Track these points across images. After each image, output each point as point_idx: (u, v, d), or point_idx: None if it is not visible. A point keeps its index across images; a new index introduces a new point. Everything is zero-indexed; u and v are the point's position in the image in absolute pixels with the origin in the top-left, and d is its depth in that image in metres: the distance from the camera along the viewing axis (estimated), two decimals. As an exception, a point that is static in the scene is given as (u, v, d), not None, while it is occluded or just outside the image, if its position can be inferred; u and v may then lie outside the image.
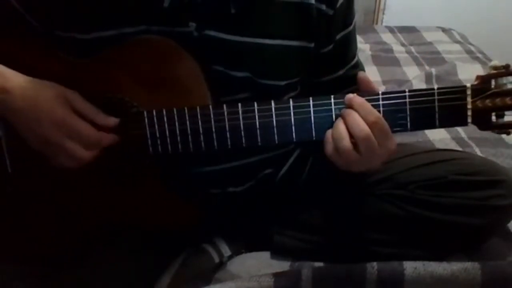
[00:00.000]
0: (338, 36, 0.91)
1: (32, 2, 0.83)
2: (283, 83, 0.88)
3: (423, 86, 1.75)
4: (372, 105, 0.76)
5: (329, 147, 0.77)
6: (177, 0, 0.80)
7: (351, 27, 0.93)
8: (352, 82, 0.93)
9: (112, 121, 0.81)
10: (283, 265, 0.97)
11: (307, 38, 0.87)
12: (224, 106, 0.79)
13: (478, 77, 0.76)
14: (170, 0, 0.79)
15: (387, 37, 2.33)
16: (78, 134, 0.78)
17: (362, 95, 0.77)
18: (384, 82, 1.82)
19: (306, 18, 0.86)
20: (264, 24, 0.84)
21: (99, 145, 0.80)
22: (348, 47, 0.95)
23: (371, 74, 1.84)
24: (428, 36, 2.32)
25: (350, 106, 0.76)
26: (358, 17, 0.94)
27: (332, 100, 0.77)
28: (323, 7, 0.86)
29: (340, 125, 0.76)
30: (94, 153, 0.80)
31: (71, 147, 0.78)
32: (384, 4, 2.81)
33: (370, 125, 0.74)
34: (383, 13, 2.83)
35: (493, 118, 0.77)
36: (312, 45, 0.88)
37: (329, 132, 0.77)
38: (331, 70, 0.94)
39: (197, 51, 0.80)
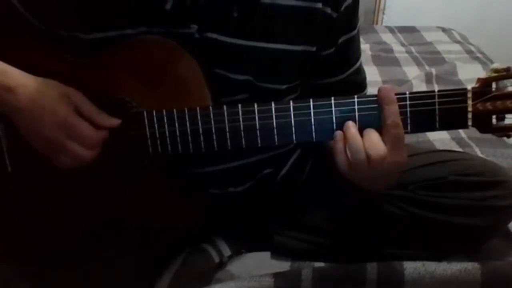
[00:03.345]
0: (340, 40, 0.90)
1: (33, 2, 0.83)
2: (283, 86, 0.88)
3: (423, 86, 1.76)
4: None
5: (342, 160, 0.76)
6: (179, 2, 0.79)
7: (355, 31, 0.92)
8: (354, 88, 0.93)
9: (115, 122, 0.81)
10: (283, 265, 0.97)
11: (309, 43, 0.87)
12: (224, 107, 0.78)
13: (479, 80, 0.75)
14: (172, 3, 0.79)
15: (387, 37, 2.33)
16: (80, 134, 0.78)
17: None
18: (384, 82, 1.82)
19: (311, 23, 0.85)
20: (266, 28, 0.83)
21: (100, 145, 0.80)
22: (350, 52, 0.94)
23: (371, 74, 1.84)
24: (428, 36, 2.32)
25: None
26: (359, 17, 0.94)
27: (333, 102, 0.77)
28: (328, 10, 0.85)
29: (357, 139, 0.75)
30: (95, 153, 0.80)
31: (72, 147, 0.78)
32: (384, 4, 2.81)
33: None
34: (383, 13, 2.83)
35: (494, 121, 0.76)
36: (314, 49, 0.88)
37: (340, 148, 0.76)
38: (331, 73, 0.93)
39: (198, 53, 0.79)
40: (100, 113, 0.80)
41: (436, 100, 0.75)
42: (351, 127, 0.76)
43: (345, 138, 0.76)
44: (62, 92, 0.79)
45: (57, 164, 0.80)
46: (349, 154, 0.75)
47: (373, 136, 0.75)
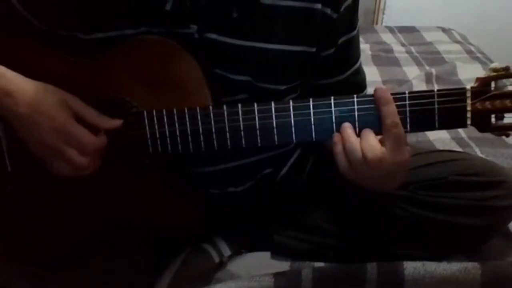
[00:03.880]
0: (340, 40, 0.90)
1: (33, 2, 0.83)
2: (283, 87, 0.88)
3: (423, 86, 1.76)
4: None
5: (342, 162, 0.76)
6: (179, 3, 0.79)
7: (355, 32, 0.92)
8: (354, 88, 0.93)
9: (117, 123, 0.81)
10: (283, 265, 0.97)
11: (309, 43, 0.87)
12: (224, 107, 0.79)
13: (477, 79, 0.76)
14: (172, 4, 0.79)
15: (387, 37, 2.33)
16: (77, 141, 0.78)
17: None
18: (384, 82, 1.82)
19: (310, 23, 0.85)
20: (266, 28, 0.83)
21: (98, 152, 0.80)
22: (350, 52, 0.94)
23: (371, 74, 1.84)
24: (428, 36, 2.33)
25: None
26: (359, 17, 0.94)
27: (332, 101, 0.77)
28: (328, 10, 0.85)
29: (353, 138, 0.76)
30: (92, 160, 0.79)
31: (69, 153, 0.78)
32: (384, 4, 2.82)
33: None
34: (383, 13, 2.83)
35: (493, 120, 0.77)
36: (314, 49, 0.88)
37: (340, 150, 0.77)
38: (330, 73, 0.93)
39: (198, 53, 0.79)
40: (100, 116, 0.80)
41: (435, 99, 0.75)
42: (347, 129, 0.76)
43: (343, 139, 0.76)
44: (61, 98, 0.78)
45: (53, 170, 0.80)
46: (347, 155, 0.75)
47: (369, 137, 0.75)
